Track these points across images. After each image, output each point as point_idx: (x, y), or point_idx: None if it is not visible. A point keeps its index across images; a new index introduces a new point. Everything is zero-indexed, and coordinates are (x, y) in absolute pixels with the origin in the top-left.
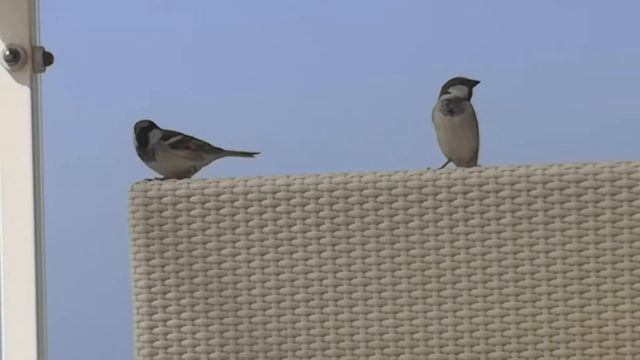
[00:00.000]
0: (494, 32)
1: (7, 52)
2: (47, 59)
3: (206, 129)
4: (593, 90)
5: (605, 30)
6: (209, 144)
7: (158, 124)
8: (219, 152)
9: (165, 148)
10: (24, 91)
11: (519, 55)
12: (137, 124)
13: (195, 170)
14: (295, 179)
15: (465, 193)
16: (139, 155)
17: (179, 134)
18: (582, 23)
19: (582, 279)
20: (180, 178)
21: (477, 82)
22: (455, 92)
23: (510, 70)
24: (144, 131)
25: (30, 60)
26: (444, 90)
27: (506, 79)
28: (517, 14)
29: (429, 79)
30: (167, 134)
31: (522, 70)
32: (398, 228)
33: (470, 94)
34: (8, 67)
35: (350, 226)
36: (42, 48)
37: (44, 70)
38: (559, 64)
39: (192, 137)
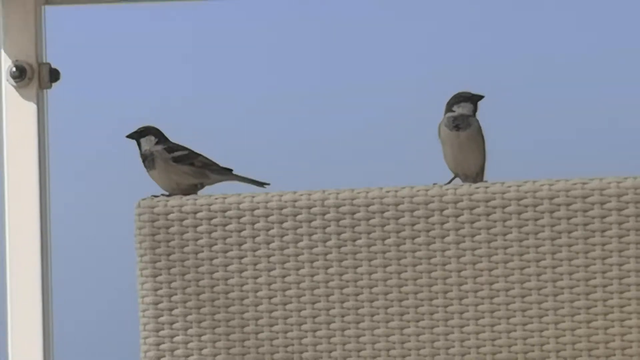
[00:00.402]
0: (501, 44)
1: (14, 69)
2: (54, 75)
3: (212, 140)
4: (600, 105)
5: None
6: (216, 164)
7: (166, 136)
8: (226, 175)
9: (168, 160)
10: (31, 107)
11: (526, 67)
12: (138, 128)
13: (199, 188)
14: (301, 195)
15: (472, 209)
16: (143, 162)
17: (186, 149)
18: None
19: (588, 294)
20: (184, 194)
21: (481, 97)
22: (460, 109)
23: (517, 84)
24: (137, 135)
25: (37, 76)
26: (449, 108)
27: (512, 92)
28: (526, 24)
29: (435, 93)
30: (173, 147)
31: (529, 84)
32: (404, 244)
33: (475, 109)
34: (15, 84)
35: (357, 242)
36: (49, 64)
37: (50, 87)
38: (566, 75)
39: (199, 155)
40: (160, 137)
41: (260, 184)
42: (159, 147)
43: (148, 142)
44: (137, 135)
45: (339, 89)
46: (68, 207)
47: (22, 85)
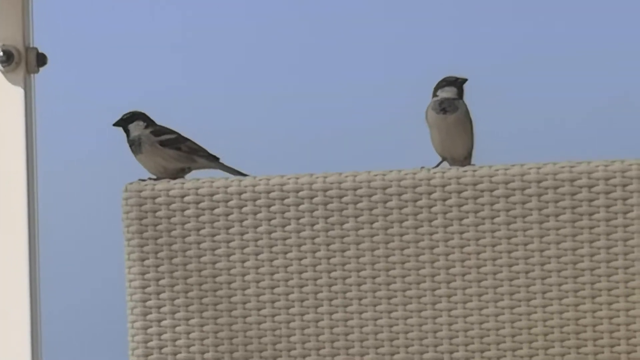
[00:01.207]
0: (486, 27)
1: (1, 53)
2: (41, 59)
3: (200, 125)
4: (587, 87)
5: (601, 26)
6: (204, 150)
7: (153, 120)
8: (213, 162)
9: (154, 144)
10: (18, 92)
11: (512, 50)
12: (125, 113)
13: (186, 172)
14: (289, 179)
15: (460, 192)
16: (130, 146)
17: (174, 132)
18: (576, 18)
19: (576, 277)
20: (171, 178)
21: (465, 80)
22: (444, 94)
23: (504, 65)
24: (124, 122)
25: (24, 61)
26: (434, 93)
27: (499, 74)
28: (510, 8)
29: (422, 77)
30: (160, 131)
31: (515, 65)
32: (392, 227)
33: (460, 92)
34: (2, 68)
35: (345, 225)
36: (36, 49)
37: (37, 71)
38: (553, 60)
39: (187, 139)
40: (147, 121)
41: (243, 175)
42: (147, 131)
43: (137, 127)
44: (124, 122)
45: (325, 75)
46: (55, 192)
47: (9, 70)
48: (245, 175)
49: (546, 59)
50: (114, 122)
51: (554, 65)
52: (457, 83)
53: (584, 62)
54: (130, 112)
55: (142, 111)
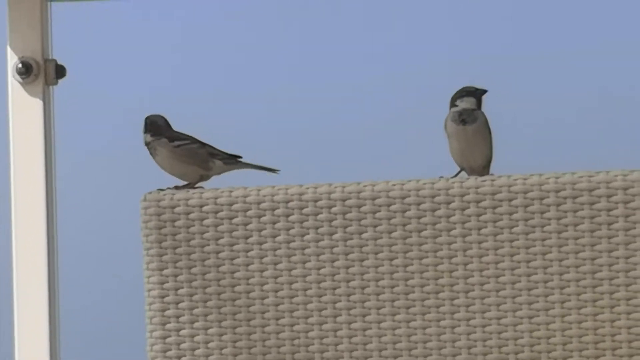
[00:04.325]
0: (506, 38)
1: (20, 65)
2: (60, 71)
3: (218, 132)
4: (606, 98)
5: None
6: (222, 153)
7: (170, 124)
8: (233, 163)
9: (169, 149)
10: (37, 104)
11: (532, 59)
12: (145, 117)
13: (203, 178)
14: (308, 188)
15: (478, 202)
16: (148, 150)
17: (188, 137)
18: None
19: (595, 287)
20: (191, 183)
21: (484, 92)
22: (463, 104)
23: (523, 75)
24: (147, 125)
25: (43, 73)
26: (452, 102)
27: (518, 85)
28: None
29: (441, 87)
30: (176, 136)
31: (534, 75)
32: (411, 236)
33: (479, 103)
34: (21, 80)
35: (363, 235)
36: (55, 61)
37: (56, 83)
38: (572, 70)
39: (204, 144)
40: (164, 125)
41: (271, 170)
42: (162, 136)
43: (157, 130)
44: (147, 125)
45: (346, 81)
46: (74, 203)
47: (28, 82)
48: (272, 170)
49: (567, 67)
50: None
51: (573, 75)
52: (477, 94)
53: (604, 72)
54: (152, 116)
55: (161, 115)
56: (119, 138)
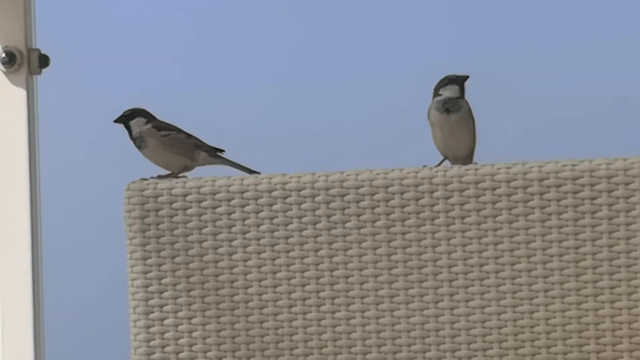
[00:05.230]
0: (488, 23)
1: (3, 55)
2: (43, 61)
3: (201, 123)
4: (589, 86)
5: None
6: (207, 145)
7: (154, 115)
8: (216, 157)
9: (157, 138)
10: (20, 93)
11: (514, 47)
12: (124, 112)
13: (187, 169)
14: (291, 177)
15: (462, 190)
16: (133, 142)
17: (175, 129)
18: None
19: (578, 275)
20: (175, 172)
21: (466, 77)
22: (447, 93)
23: (506, 63)
24: (125, 118)
25: (26, 62)
26: (436, 92)
27: (501, 72)
28: (513, 5)
29: (424, 75)
30: (162, 126)
31: (517, 63)
32: (394, 226)
33: (462, 90)
34: (4, 69)
35: (347, 224)
36: (38, 50)
37: (40, 73)
38: (554, 58)
39: (190, 135)
40: (148, 117)
41: (250, 172)
42: (148, 126)
43: (138, 124)
44: (125, 118)
45: (329, 73)
46: (58, 193)
47: (11, 71)
48: (252, 171)
49: (548, 57)
50: (115, 119)
51: (555, 63)
52: (459, 80)
53: (586, 61)
54: (130, 109)
55: (143, 107)
56: (102, 128)
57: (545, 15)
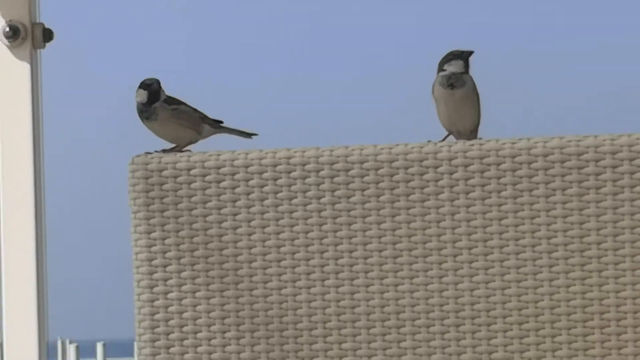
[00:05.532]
0: (493, 2)
1: (7, 29)
2: (47, 35)
3: (207, 100)
4: (593, 62)
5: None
6: (209, 117)
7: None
8: (218, 128)
9: (169, 112)
10: (24, 67)
11: (522, 25)
12: (146, 80)
13: (192, 142)
14: (295, 152)
15: (466, 166)
16: (141, 113)
17: (183, 103)
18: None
19: (583, 251)
20: (180, 146)
21: (471, 53)
22: (451, 68)
23: (511, 40)
24: (157, 86)
25: (30, 36)
26: (440, 67)
27: (506, 49)
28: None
29: (429, 51)
30: (171, 100)
31: (524, 40)
32: (399, 201)
33: (467, 66)
34: (8, 44)
35: (351, 199)
36: (42, 24)
37: (44, 47)
38: (561, 35)
39: (196, 109)
40: (161, 89)
41: (248, 135)
42: (161, 100)
43: (162, 95)
44: (157, 85)
45: (335, 46)
46: (62, 165)
47: (15, 45)
48: (249, 134)
49: (556, 35)
50: (147, 91)
51: (564, 42)
52: (464, 56)
53: (592, 37)
54: (152, 78)
55: (157, 78)
56: (106, 101)
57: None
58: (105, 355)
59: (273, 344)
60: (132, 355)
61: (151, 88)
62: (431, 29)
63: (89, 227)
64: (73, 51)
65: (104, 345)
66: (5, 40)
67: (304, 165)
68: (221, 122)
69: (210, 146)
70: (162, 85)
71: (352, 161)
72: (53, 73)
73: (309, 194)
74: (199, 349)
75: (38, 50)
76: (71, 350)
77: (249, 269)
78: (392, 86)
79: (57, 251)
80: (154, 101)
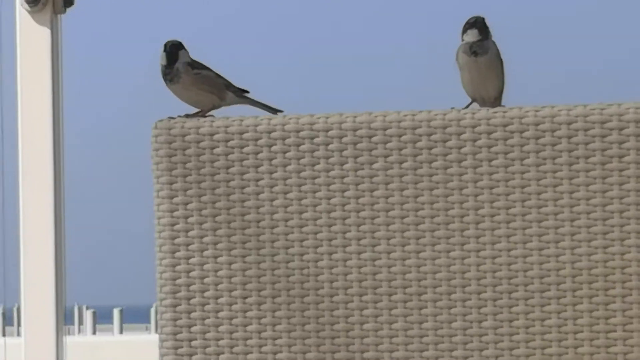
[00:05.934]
0: None
1: None
2: (68, 0)
3: (230, 68)
4: (621, 32)
5: None
6: (234, 86)
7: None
8: (242, 98)
9: (191, 75)
10: (45, 32)
11: None
12: (168, 41)
13: (215, 108)
14: (319, 118)
15: (490, 133)
16: (165, 75)
17: (207, 68)
18: None
19: (605, 219)
20: (203, 111)
21: (482, 20)
22: (468, 38)
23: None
24: (175, 48)
25: (51, 1)
26: (463, 34)
27: (533, 16)
28: None
29: (452, 19)
30: (196, 64)
31: (548, 10)
32: (421, 167)
33: (486, 33)
34: (29, 9)
35: (374, 165)
36: None
37: (64, 12)
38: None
39: (219, 75)
40: (184, 52)
41: (274, 111)
42: (184, 62)
43: (183, 56)
44: (175, 49)
45: (358, 12)
46: (82, 130)
47: (36, 10)
48: (275, 110)
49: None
50: (166, 52)
51: (588, 11)
52: (478, 24)
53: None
54: (176, 40)
55: (180, 41)
56: (127, 66)
57: None
58: (122, 321)
59: (294, 310)
60: (147, 321)
61: (171, 49)
62: None
63: (109, 192)
64: (93, 16)
65: (121, 311)
66: (27, 6)
67: (327, 131)
68: (247, 91)
69: (233, 111)
70: (186, 47)
71: (375, 127)
72: (73, 38)
73: (331, 160)
74: (220, 314)
75: (59, 16)
76: (88, 316)
77: (271, 235)
78: (416, 53)
79: (76, 215)
80: (174, 62)
